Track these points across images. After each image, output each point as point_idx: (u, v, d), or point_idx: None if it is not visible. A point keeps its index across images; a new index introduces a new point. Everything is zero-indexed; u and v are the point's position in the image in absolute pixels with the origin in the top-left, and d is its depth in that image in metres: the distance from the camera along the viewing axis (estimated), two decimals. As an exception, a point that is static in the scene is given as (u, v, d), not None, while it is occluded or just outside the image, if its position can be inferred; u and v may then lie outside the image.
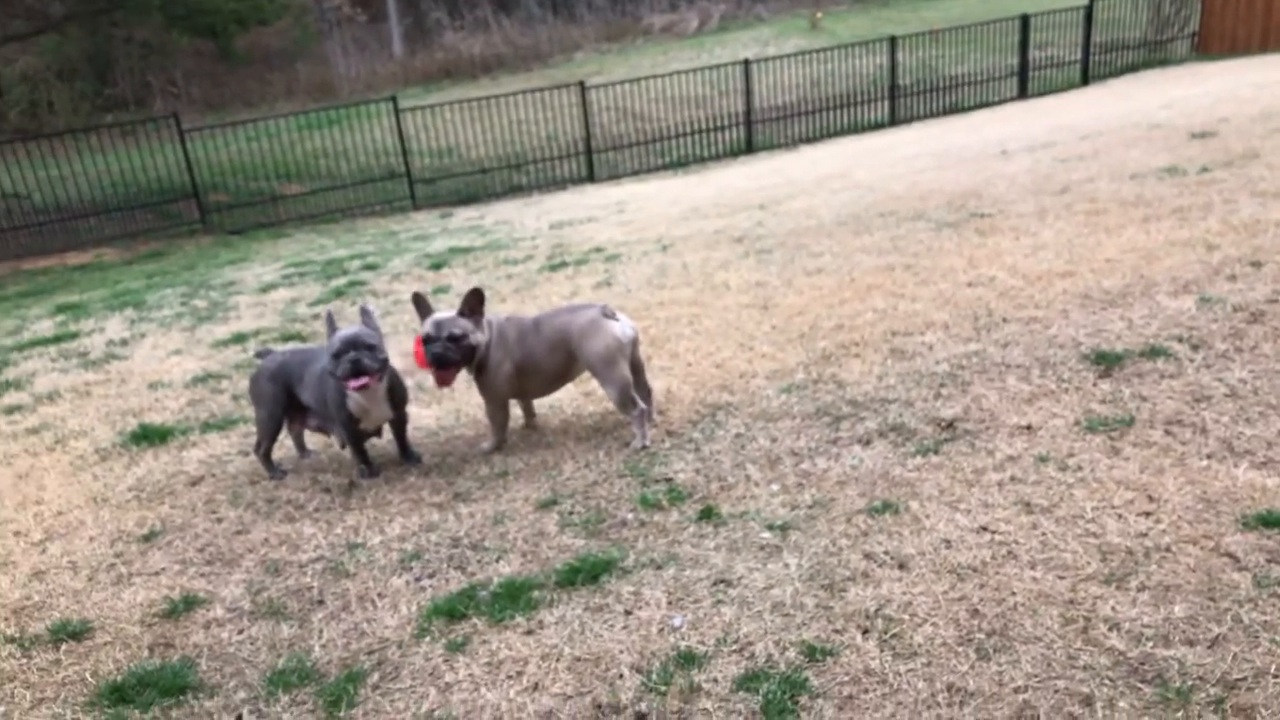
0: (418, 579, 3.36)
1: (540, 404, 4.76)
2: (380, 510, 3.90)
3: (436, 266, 8.69)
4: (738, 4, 28.11)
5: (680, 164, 16.69)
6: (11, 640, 3.24)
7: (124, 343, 7.19)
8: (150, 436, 4.97)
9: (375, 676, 2.84)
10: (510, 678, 2.76)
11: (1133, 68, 18.51)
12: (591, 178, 16.30)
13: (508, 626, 2.99)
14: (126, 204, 15.07)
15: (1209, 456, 3.40)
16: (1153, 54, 18.73)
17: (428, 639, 2.99)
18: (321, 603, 3.29)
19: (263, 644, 3.09)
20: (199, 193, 15.07)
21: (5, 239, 14.40)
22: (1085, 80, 18.31)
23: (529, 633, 2.95)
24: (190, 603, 3.36)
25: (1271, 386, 3.82)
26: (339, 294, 8.06)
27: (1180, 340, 4.35)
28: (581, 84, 16.40)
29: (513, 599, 3.12)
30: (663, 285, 6.74)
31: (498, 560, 3.41)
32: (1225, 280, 4.98)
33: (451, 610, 3.10)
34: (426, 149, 16.56)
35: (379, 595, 3.28)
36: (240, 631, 3.18)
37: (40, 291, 11.20)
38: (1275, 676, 2.36)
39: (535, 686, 2.70)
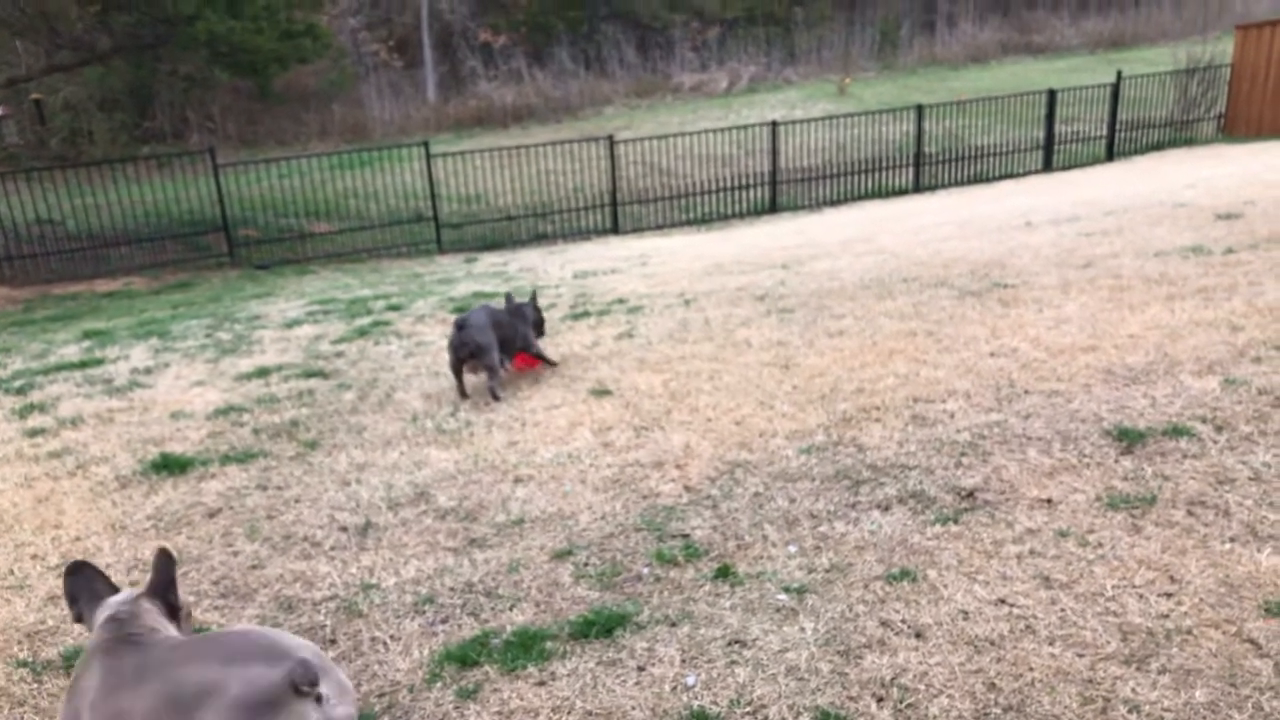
0: (431, 623, 3.35)
1: (558, 453, 4.77)
2: (396, 552, 3.91)
3: (460, 310, 8.77)
4: (767, 66, 28.55)
5: (704, 221, 16.86)
6: (24, 664, 3.24)
7: (148, 371, 7.27)
8: (170, 466, 5.01)
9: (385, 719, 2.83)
10: (520, 729, 2.74)
11: (1158, 146, 18.65)
12: (616, 230, 16.47)
13: (519, 676, 2.98)
14: (157, 234, 15.33)
15: (1232, 539, 3.37)
16: (1178, 133, 18.89)
17: (439, 684, 2.97)
18: (334, 642, 3.29)
19: (273, 681, 3.07)
20: (229, 227, 15.31)
21: (37, 264, 14.64)
22: (1110, 156, 18.44)
23: (541, 684, 2.94)
24: (202, 635, 3.36)
25: (1296, 472, 3.80)
26: (363, 333, 8.13)
27: (1204, 421, 4.33)
28: (610, 138, 16.65)
29: (525, 649, 3.10)
30: (684, 339, 6.77)
31: (511, 609, 3.40)
32: (1250, 362, 4.97)
33: (464, 657, 3.09)
34: (455, 194, 16.81)
35: (391, 638, 3.28)
36: (251, 667, 3.16)
37: (68, 317, 11.35)
38: (1299, 769, 2.32)
39: (545, 739, 2.68)
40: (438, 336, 7.63)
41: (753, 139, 17.70)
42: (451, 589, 3.57)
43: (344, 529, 4.15)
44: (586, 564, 3.67)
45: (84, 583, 2.49)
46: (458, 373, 5.92)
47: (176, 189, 15.48)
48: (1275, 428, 4.20)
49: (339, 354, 7.43)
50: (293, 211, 16.62)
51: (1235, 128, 18.54)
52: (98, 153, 20.24)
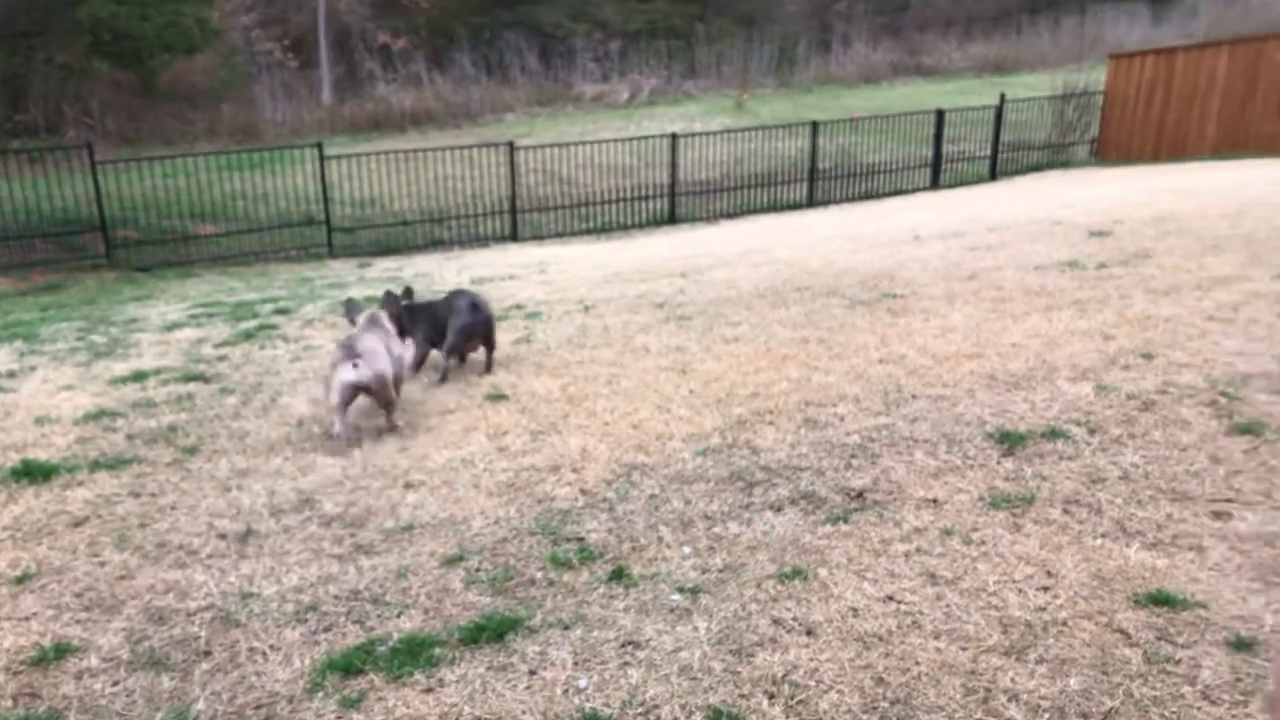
0: (313, 632, 3.22)
1: (451, 457, 4.68)
2: (277, 560, 3.75)
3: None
4: (668, 80, 28.81)
5: (604, 230, 16.86)
6: None
7: (10, 375, 6.84)
8: (32, 473, 4.71)
9: (261, 733, 2.70)
10: (405, 737, 2.65)
11: (1037, 167, 19.51)
12: (515, 237, 16.33)
13: (406, 684, 2.88)
14: (26, 233, 14.48)
15: (1103, 536, 3.51)
16: (1055, 156, 19.79)
17: (320, 694, 2.86)
18: (208, 654, 3.13)
19: (139, 696, 2.91)
20: (106, 226, 14.57)
21: (-110, 262, 13.66)
22: (993, 176, 19.20)
23: (428, 690, 2.85)
24: (62, 651, 3.16)
25: (1161, 471, 3.99)
26: (248, 336, 7.84)
27: (1078, 424, 4.52)
28: (510, 144, 16.52)
29: (413, 656, 3.01)
30: (583, 345, 6.74)
31: (399, 616, 3.30)
32: (1120, 369, 5.20)
33: (347, 665, 2.98)
34: (349, 198, 16.39)
35: (271, 647, 3.14)
36: (115, 683, 2.99)
37: (-76, 317, 10.62)
38: (1165, 752, 2.42)
39: (431, 747, 2.60)
40: (327, 340, 7.40)
41: (653, 150, 17.79)
42: (336, 596, 3.44)
43: (222, 536, 3.97)
44: (478, 569, 3.60)
45: (352, 306, 5.72)
46: (463, 357, 6.27)
47: (50, 186, 14.64)
48: (1142, 430, 4.40)
49: (222, 358, 7.14)
50: (176, 213, 15.93)
51: (1107, 152, 19.53)
52: (-38, 146, 19.05)
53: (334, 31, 28.26)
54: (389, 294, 6.16)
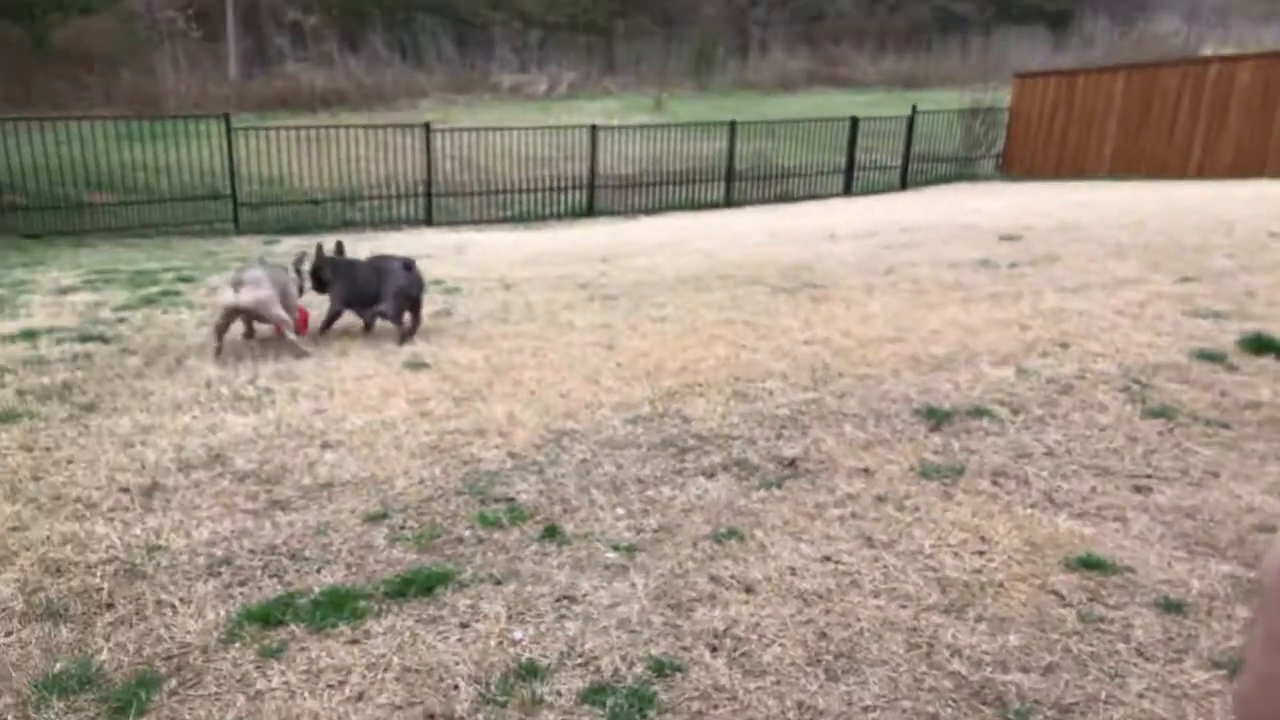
0: (227, 586, 3.03)
1: (370, 420, 4.50)
2: (187, 514, 3.53)
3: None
4: (587, 74, 28.71)
5: (521, 219, 16.66)
6: None
7: (-115, 329, 6.35)
8: (-90, 425, 4.35)
9: (173, 683, 2.52)
10: (331, 686, 2.50)
11: (945, 179, 20.07)
12: (430, 221, 16.00)
13: (330, 635, 2.73)
14: (-99, 192, 13.54)
15: (1032, 506, 3.57)
16: (963, 169, 20.40)
17: (237, 645, 2.68)
18: (111, 606, 2.91)
19: (35, 647, 2.69)
20: (-9, 189, 13.73)
21: None
22: (904, 185, 19.68)
23: (353, 641, 2.70)
24: (-53, 601, 2.90)
25: (1083, 448, 4.09)
26: (149, 302, 7.45)
27: (1001, 404, 4.61)
28: (427, 125, 16.19)
29: (336, 607, 2.86)
30: (506, 319, 6.60)
31: (319, 570, 3.13)
32: (1038, 356, 5.34)
33: (266, 616, 2.81)
34: (255, 174, 15.78)
35: (181, 600, 2.94)
36: (9, 634, 2.76)
37: None
38: (1105, 703, 2.45)
39: (360, 696, 2.46)
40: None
41: (572, 142, 17.66)
42: (251, 551, 3.25)
43: (125, 490, 3.72)
44: (403, 527, 3.45)
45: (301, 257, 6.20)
46: (401, 317, 6.07)
47: (-73, 144, 13.73)
48: (1063, 411, 4.51)
49: (121, 320, 6.76)
50: (70, 180, 15.10)
51: (1011, 166, 20.23)
52: None
53: (241, 5, 27.28)
54: (319, 247, 6.21)
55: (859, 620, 2.80)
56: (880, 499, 3.61)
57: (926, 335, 5.85)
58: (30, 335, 6.18)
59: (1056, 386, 4.83)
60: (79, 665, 2.58)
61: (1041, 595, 2.94)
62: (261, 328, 6.03)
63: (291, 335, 5.69)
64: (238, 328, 5.88)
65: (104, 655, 2.64)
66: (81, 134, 15.30)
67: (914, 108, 19.66)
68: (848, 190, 19.24)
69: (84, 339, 6.11)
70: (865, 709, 2.41)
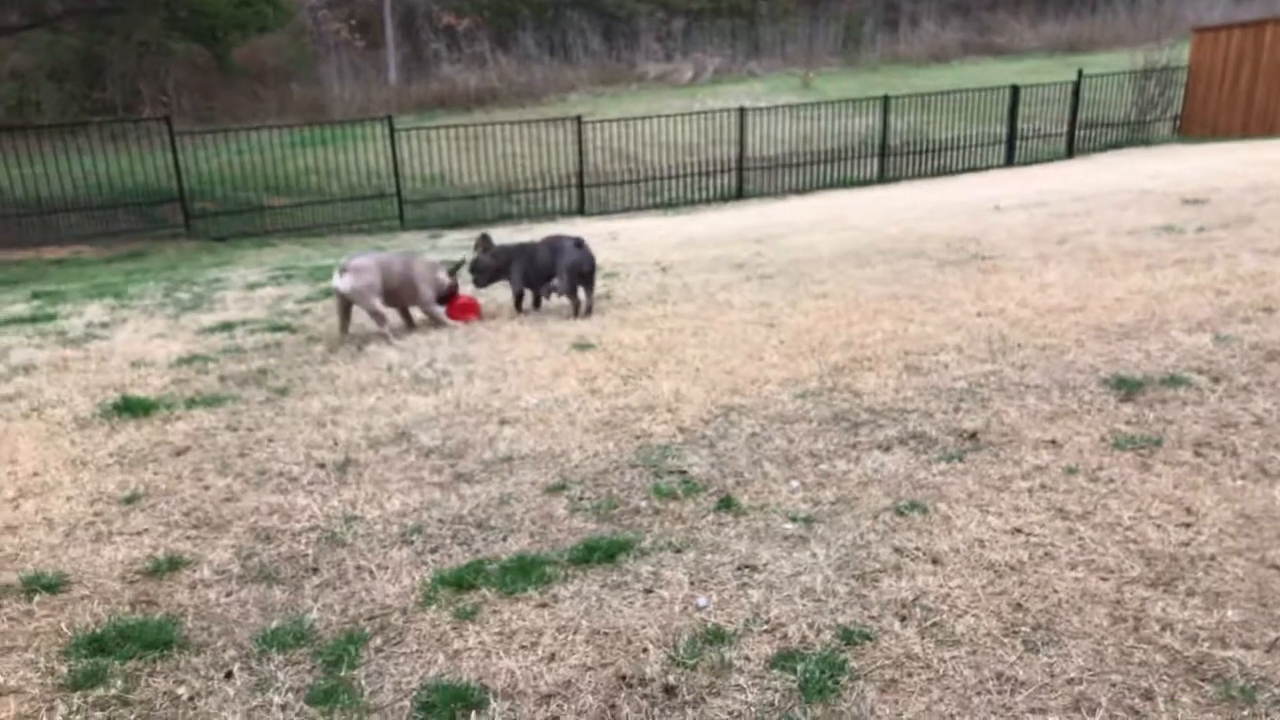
0: (420, 553, 3.17)
1: (543, 398, 4.62)
2: (379, 487, 3.72)
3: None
4: (732, 59, 28.51)
5: (670, 205, 16.74)
6: (-21, 588, 3.01)
7: (104, 325, 6.96)
8: (133, 408, 4.75)
9: (378, 640, 2.66)
10: (524, 647, 2.58)
11: (1116, 145, 18.92)
12: (583, 211, 16.29)
13: (519, 599, 2.82)
14: (109, 204, 14.81)
15: (1243, 477, 3.32)
16: (1135, 133, 19.17)
17: (434, 607, 2.81)
18: (316, 570, 3.10)
19: (253, 606, 2.89)
20: (185, 198, 14.84)
21: (-21, 229, 14.06)
22: (1070, 153, 18.67)
23: (543, 605, 2.78)
24: (175, 563, 3.15)
25: (1297, 417, 3.77)
26: (329, 294, 7.86)
27: (1200, 372, 4.30)
28: (579, 118, 16.47)
29: (524, 573, 2.95)
30: (664, 300, 6.64)
31: (505, 539, 3.24)
32: (1239, 322, 4.96)
33: (459, 580, 2.92)
34: (417, 173, 16.47)
35: (379, 566, 3.10)
36: (228, 594, 2.97)
37: (14, 281, 10.90)
38: (1341, 680, 2.25)
39: (551, 657, 2.53)
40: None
41: (720, 126, 17.59)
42: (440, 520, 3.39)
43: (321, 465, 3.95)
44: (581, 498, 3.52)
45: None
46: (575, 292, 6.34)
47: (131, 160, 14.95)
48: (1271, 379, 4.18)
49: (305, 311, 7.18)
50: (250, 186, 16.18)
51: (1191, 128, 18.87)
52: (45, 121, 19.54)
53: (399, 12, 28.45)
54: (483, 236, 6.65)
55: (1056, 592, 2.68)
56: (1070, 471, 3.44)
57: (1110, 304, 5.53)
58: (228, 327, 6.65)
59: (1262, 353, 4.47)
60: (292, 623, 2.76)
61: (1261, 569, 2.73)
62: (419, 316, 6.32)
63: (383, 329, 5.93)
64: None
65: (314, 614, 2.81)
66: (259, 143, 16.37)
67: (1079, 72, 18.61)
68: (1009, 161, 18.40)
69: (274, 329, 6.52)
70: (1069, 681, 2.30)
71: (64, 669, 2.58)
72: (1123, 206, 9.53)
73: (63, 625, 2.79)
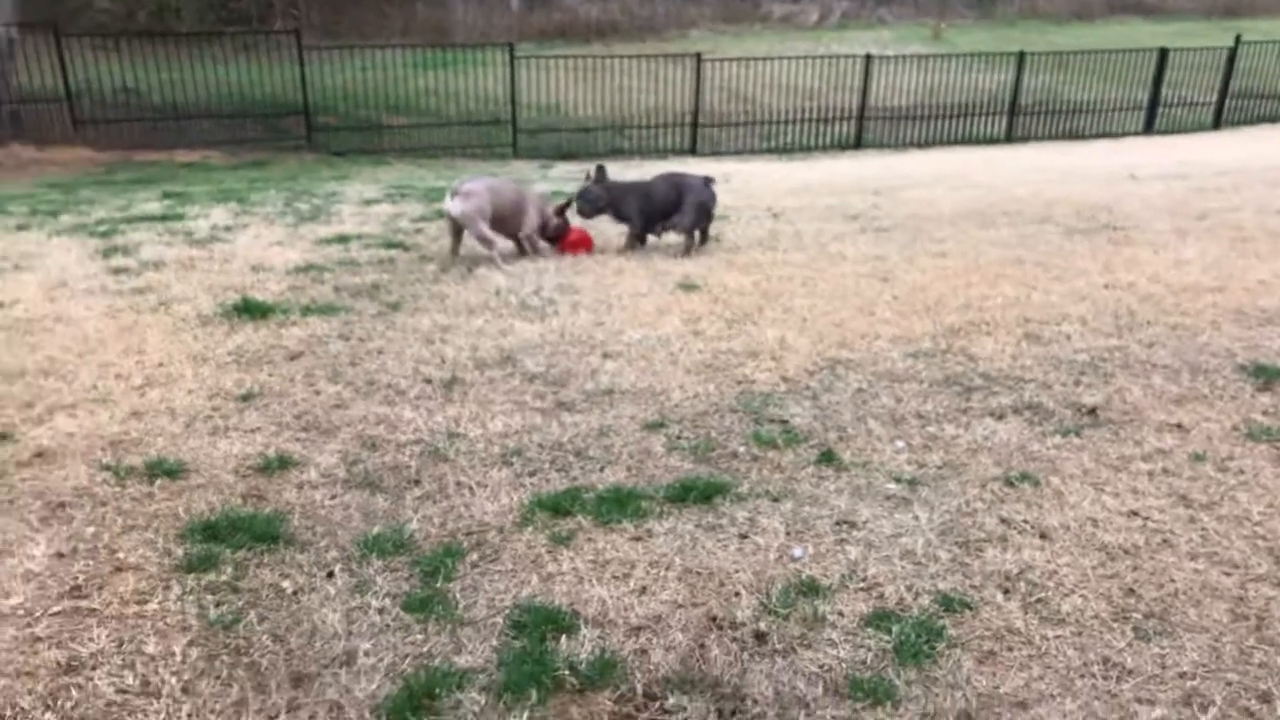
0: (519, 475, 3.21)
1: (646, 335, 4.59)
2: (482, 407, 3.76)
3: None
4: (861, 3, 27.56)
5: (785, 150, 16.38)
6: (107, 468, 3.17)
7: (228, 229, 7.19)
8: (251, 310, 4.91)
9: (474, 556, 2.70)
10: (616, 578, 2.59)
11: (1271, 118, 17.72)
12: (694, 151, 16.07)
13: (614, 530, 2.83)
14: (238, 113, 15.25)
15: (1390, 480, 3.10)
16: (1293, 107, 17.90)
17: (530, 529, 2.84)
18: (418, 482, 3.16)
19: (356, 511, 2.97)
20: (309, 111, 15.18)
21: (120, 129, 14.64)
22: (1217, 124, 17.57)
23: (637, 539, 2.79)
24: (285, 463, 3.26)
25: None
26: (441, 215, 7.96)
27: (1348, 366, 4.02)
28: (698, 55, 16.18)
29: (620, 505, 2.95)
30: (774, 247, 6.52)
31: (602, 470, 3.25)
32: (1397, 316, 4.61)
33: (556, 506, 2.95)
34: (533, 102, 16.46)
35: (478, 484, 3.14)
36: (333, 497, 3.06)
37: (149, 180, 11.35)
38: None
39: (643, 590, 2.54)
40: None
41: (843, 73, 17.03)
42: (540, 445, 3.42)
43: (428, 381, 4.02)
44: (679, 437, 3.50)
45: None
46: (694, 231, 6.36)
47: (261, 71, 15.33)
48: None
49: (418, 230, 7.29)
50: (371, 104, 16.41)
51: (1356, 107, 17.52)
52: (184, 29, 20.17)
53: (528, -62, 28.23)
54: (599, 167, 6.51)
55: (1173, 581, 2.55)
56: (1197, 457, 3.26)
57: (1253, 286, 5.20)
58: (344, 239, 6.80)
59: None
60: (393, 531, 2.83)
61: (1404, 580, 2.55)
62: (540, 244, 6.33)
63: (490, 252, 5.93)
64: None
65: (414, 525, 2.87)
66: (383, 62, 16.58)
67: (1237, 37, 17.40)
68: (1149, 128, 17.43)
69: (388, 245, 6.64)
70: (1181, 674, 2.20)
71: (180, 551, 2.70)
72: (1274, 184, 8.94)
73: (180, 510, 2.92)
